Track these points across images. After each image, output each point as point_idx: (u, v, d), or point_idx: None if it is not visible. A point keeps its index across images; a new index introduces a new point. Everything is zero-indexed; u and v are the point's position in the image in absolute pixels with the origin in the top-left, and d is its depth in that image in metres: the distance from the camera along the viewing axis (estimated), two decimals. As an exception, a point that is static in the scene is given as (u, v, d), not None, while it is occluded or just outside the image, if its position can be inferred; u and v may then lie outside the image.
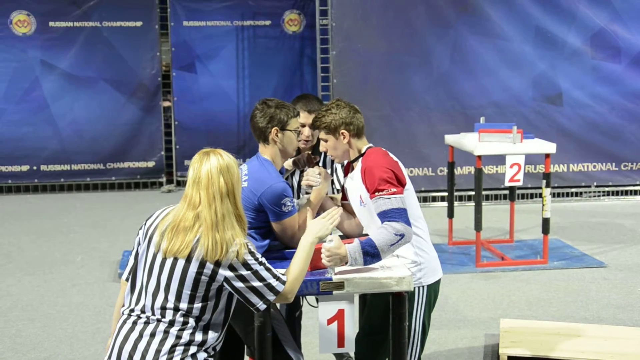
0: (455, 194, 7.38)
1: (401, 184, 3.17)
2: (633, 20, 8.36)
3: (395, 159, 3.27)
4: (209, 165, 2.66)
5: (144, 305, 2.66)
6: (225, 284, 2.63)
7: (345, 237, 3.44)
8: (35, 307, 5.28)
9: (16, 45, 8.97)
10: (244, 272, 2.63)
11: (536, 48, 8.29)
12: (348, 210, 3.47)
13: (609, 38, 8.35)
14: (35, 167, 9.15)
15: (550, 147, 6.09)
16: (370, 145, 3.34)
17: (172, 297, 2.61)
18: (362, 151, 3.31)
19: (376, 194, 3.12)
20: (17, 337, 4.75)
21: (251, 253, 2.65)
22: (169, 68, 9.41)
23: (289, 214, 3.25)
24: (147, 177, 9.41)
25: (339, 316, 3.10)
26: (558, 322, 4.70)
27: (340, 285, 3.05)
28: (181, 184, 9.47)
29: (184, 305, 2.61)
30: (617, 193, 8.72)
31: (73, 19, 9.07)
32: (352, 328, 3.11)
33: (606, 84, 8.42)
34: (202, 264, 2.60)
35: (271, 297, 2.68)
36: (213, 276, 2.61)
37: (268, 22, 9.49)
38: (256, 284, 2.65)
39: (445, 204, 7.37)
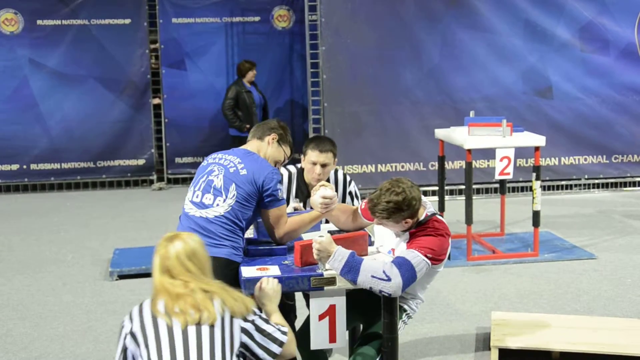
0: (446, 188, 7.41)
1: (437, 260, 3.15)
2: (621, 13, 8.38)
3: (448, 236, 3.20)
4: (174, 250, 2.54)
5: None
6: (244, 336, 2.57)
7: (338, 232, 3.46)
8: (26, 306, 5.26)
9: (4, 44, 8.92)
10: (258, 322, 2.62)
11: (525, 41, 8.31)
12: (342, 211, 3.49)
13: (597, 31, 8.36)
14: (25, 166, 9.10)
15: (539, 140, 6.10)
16: (431, 212, 3.23)
17: None
18: (421, 219, 3.20)
19: (416, 247, 3.10)
20: (8, 337, 4.73)
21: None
22: (158, 65, 9.38)
23: (282, 201, 3.34)
24: (137, 175, 9.38)
25: (331, 312, 3.10)
26: (549, 314, 4.71)
27: (331, 280, 3.06)
28: (172, 181, 9.45)
29: None
30: (608, 185, 8.76)
31: (61, 17, 9.02)
32: (343, 323, 3.12)
33: (596, 77, 8.44)
34: (228, 323, 2.52)
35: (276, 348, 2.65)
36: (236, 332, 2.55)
37: (257, 18, 9.47)
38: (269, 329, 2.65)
39: (436, 198, 7.37)
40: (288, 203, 3.92)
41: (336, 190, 3.98)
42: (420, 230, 3.17)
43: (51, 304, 5.29)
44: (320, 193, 3.37)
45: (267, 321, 2.65)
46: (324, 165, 3.84)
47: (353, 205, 3.98)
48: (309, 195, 3.91)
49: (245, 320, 2.56)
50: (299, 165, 3.99)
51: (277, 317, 2.80)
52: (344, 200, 4.03)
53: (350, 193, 4.04)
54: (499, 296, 5.30)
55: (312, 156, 3.86)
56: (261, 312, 2.70)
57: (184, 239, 2.57)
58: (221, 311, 2.49)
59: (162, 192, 9.14)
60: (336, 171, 4.04)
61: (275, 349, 2.62)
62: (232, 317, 2.52)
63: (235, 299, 2.53)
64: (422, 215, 3.21)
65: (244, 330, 2.56)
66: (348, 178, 4.07)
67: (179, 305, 2.46)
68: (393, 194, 3.10)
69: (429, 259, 3.09)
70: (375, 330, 3.33)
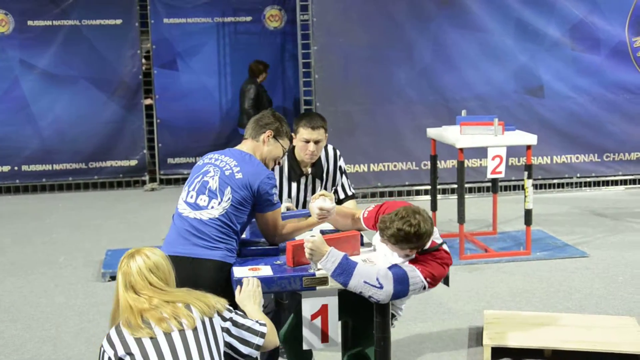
0: (439, 187, 7.40)
1: (432, 285, 3.14)
2: (611, 11, 8.41)
3: (449, 265, 3.20)
4: (136, 266, 2.56)
5: None
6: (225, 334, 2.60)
7: (330, 232, 3.46)
8: (18, 308, 5.24)
9: (-6, 45, 8.89)
10: (233, 316, 2.64)
11: (517, 40, 8.33)
12: (342, 215, 3.48)
13: (588, 29, 8.39)
14: (16, 168, 9.06)
15: (531, 139, 6.12)
16: (439, 242, 3.20)
17: None
18: (426, 247, 3.15)
19: (420, 268, 3.09)
20: (0, 339, 4.71)
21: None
22: (149, 66, 9.36)
23: (277, 205, 3.32)
24: (129, 176, 9.36)
25: (323, 311, 3.11)
26: (541, 313, 4.72)
27: (323, 280, 3.06)
28: (164, 182, 9.43)
29: None
30: (599, 184, 8.79)
31: (52, 18, 8.98)
32: (335, 323, 3.12)
33: (587, 75, 8.47)
34: (209, 325, 2.54)
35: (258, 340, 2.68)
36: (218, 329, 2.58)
37: (249, 18, 9.46)
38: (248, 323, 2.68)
39: (428, 197, 7.39)
40: (282, 185, 3.90)
41: (327, 166, 3.97)
42: (428, 255, 3.15)
43: (43, 306, 5.28)
44: (318, 204, 3.34)
45: (244, 316, 2.68)
46: (316, 142, 3.79)
47: (342, 181, 4.00)
48: (302, 174, 3.89)
49: (224, 319, 2.59)
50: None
51: (258, 316, 2.80)
52: (334, 176, 4.01)
53: (339, 168, 4.03)
54: (492, 295, 5.32)
55: (304, 134, 3.79)
56: (237, 309, 2.71)
57: (145, 253, 2.59)
58: (200, 315, 2.51)
59: (154, 193, 9.12)
60: (326, 146, 4.00)
61: (258, 340, 2.66)
62: (211, 319, 2.53)
63: (200, 299, 2.54)
64: (427, 244, 3.16)
65: (225, 330, 2.59)
66: (338, 153, 4.05)
67: (152, 317, 2.45)
68: (406, 224, 3.03)
69: (427, 282, 3.09)
70: (366, 339, 3.32)
